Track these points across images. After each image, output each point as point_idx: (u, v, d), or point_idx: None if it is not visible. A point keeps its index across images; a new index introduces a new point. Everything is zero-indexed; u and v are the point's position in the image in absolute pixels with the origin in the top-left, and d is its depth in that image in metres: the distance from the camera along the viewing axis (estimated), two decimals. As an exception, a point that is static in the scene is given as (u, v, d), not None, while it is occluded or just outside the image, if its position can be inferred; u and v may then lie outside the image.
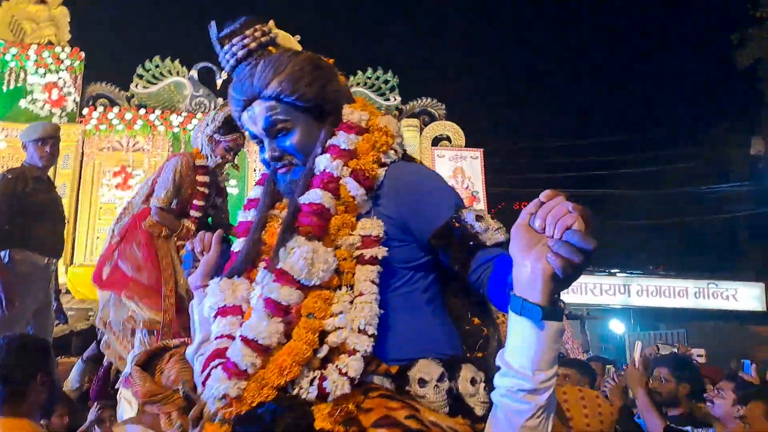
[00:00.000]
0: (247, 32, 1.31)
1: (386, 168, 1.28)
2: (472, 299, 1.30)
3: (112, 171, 11.70)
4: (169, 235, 3.32)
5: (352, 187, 1.23)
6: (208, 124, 3.44)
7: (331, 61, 1.39)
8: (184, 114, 12.07)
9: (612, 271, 14.30)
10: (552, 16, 27.65)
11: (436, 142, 12.75)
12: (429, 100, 13.21)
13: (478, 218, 1.19)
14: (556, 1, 28.66)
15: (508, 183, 15.33)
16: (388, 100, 12.86)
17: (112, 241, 3.36)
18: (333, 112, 1.31)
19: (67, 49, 11.78)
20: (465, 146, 12.76)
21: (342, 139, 1.27)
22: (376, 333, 1.14)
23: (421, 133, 12.60)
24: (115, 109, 11.81)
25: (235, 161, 3.56)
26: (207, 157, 3.43)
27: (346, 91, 1.39)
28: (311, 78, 1.27)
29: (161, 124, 11.88)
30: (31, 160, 3.74)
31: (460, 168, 12.46)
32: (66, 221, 3.99)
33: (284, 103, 1.27)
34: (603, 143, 16.89)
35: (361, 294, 1.17)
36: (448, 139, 12.84)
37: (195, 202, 3.43)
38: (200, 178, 3.42)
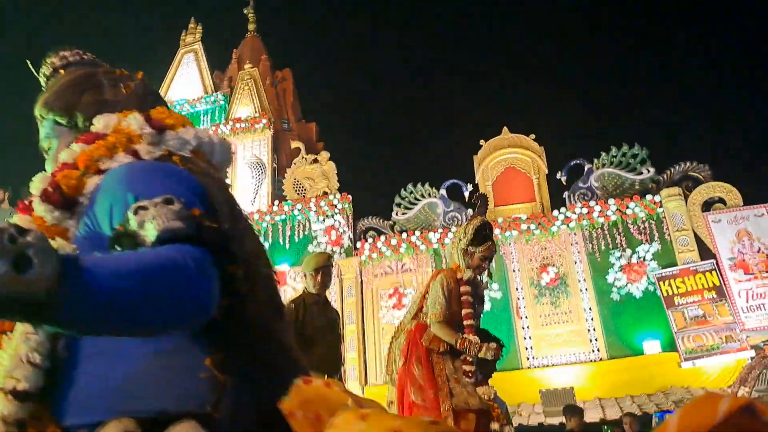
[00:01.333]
0: (45, 62, 1.29)
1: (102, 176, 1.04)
2: (201, 331, 0.89)
3: (387, 293, 12.87)
4: (447, 351, 3.49)
5: (38, 209, 1.01)
6: (461, 239, 3.69)
7: (140, 74, 1.27)
8: (440, 230, 12.95)
9: None
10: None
11: (707, 207, 11.50)
12: (689, 163, 12.15)
13: (138, 210, 0.84)
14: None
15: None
16: (641, 174, 12.16)
17: (399, 363, 3.64)
18: (86, 124, 1.16)
19: (338, 195, 13.86)
20: (744, 204, 11.25)
21: (66, 153, 1.08)
22: (25, 388, 0.88)
23: (686, 201, 11.52)
24: (382, 238, 13.21)
25: (491, 268, 3.76)
26: (464, 270, 3.65)
27: (126, 100, 1.20)
28: (63, 91, 1.20)
29: (422, 243, 12.88)
30: (308, 288, 4.35)
31: (744, 230, 10.94)
32: (342, 339, 4.48)
33: (48, 120, 1.21)
34: None
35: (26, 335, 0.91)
36: (722, 201, 11.49)
37: (463, 313, 3.61)
38: (464, 289, 3.62)
